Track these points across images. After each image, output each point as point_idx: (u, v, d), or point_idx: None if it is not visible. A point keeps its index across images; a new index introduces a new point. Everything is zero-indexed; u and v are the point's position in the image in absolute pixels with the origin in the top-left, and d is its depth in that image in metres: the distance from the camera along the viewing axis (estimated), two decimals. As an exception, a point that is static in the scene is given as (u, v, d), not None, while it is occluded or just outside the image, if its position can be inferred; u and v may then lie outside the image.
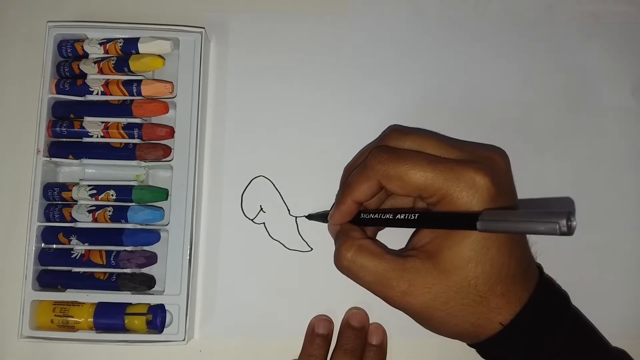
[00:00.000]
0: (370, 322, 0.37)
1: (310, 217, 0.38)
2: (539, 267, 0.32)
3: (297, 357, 0.36)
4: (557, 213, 0.23)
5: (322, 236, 0.37)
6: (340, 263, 0.31)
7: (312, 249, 0.37)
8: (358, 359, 0.35)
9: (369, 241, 0.32)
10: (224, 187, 0.38)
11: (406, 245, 0.35)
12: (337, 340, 0.36)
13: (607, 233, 0.38)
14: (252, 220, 0.38)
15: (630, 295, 0.37)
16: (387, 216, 0.31)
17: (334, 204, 0.34)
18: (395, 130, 0.33)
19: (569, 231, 0.23)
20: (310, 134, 0.38)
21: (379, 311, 0.37)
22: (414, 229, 0.35)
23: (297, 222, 0.38)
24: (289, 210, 0.38)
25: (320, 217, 0.37)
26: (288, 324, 0.36)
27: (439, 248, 0.29)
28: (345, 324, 0.36)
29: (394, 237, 0.36)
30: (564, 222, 0.23)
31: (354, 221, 0.33)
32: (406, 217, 0.30)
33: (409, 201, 0.34)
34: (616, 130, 0.39)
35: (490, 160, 0.30)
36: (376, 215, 0.32)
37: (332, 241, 0.37)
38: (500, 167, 0.31)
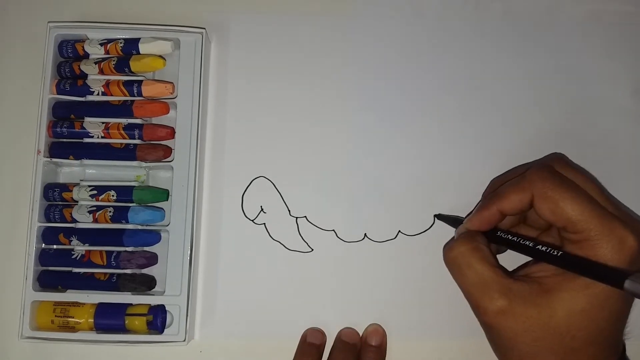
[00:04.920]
0: (370, 323, 0.36)
1: (440, 217, 0.37)
2: (623, 345, 0.32)
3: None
4: None
5: (322, 237, 0.37)
6: (449, 252, 0.31)
7: (312, 249, 0.37)
8: None
9: (489, 250, 0.31)
10: (225, 187, 0.38)
11: (518, 269, 0.34)
12: (329, 355, 0.35)
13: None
14: (252, 220, 0.38)
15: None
16: (526, 243, 0.30)
17: (472, 212, 0.33)
18: (562, 160, 0.33)
19: None
20: (310, 135, 0.38)
21: (379, 312, 0.37)
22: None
23: (298, 222, 0.38)
24: (289, 210, 0.38)
25: (452, 220, 0.36)
26: (288, 324, 0.36)
27: (558, 287, 0.29)
28: (338, 339, 0.36)
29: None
30: None
31: (488, 236, 0.32)
32: (548, 250, 0.29)
33: (533, 231, 0.34)
34: (616, 131, 0.39)
35: (638, 227, 0.30)
36: (514, 238, 0.31)
37: (332, 243, 0.37)
38: None
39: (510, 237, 0.31)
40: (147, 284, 0.35)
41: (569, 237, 0.30)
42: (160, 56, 0.37)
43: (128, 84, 0.36)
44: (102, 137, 0.36)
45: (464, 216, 0.36)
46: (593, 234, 0.28)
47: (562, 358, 0.29)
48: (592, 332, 0.28)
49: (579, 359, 0.29)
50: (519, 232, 0.34)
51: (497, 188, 0.33)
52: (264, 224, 0.38)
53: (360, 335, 0.36)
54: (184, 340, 0.34)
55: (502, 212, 0.32)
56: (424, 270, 0.37)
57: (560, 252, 0.29)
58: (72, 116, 0.37)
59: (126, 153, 0.36)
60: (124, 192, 0.36)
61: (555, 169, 0.31)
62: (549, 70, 0.39)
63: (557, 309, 0.28)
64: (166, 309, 0.34)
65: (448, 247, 0.32)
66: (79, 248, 0.35)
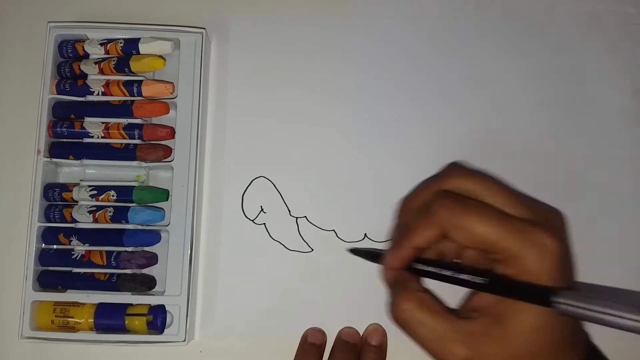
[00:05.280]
0: (370, 322, 0.36)
1: (355, 252, 0.36)
2: (589, 341, 0.31)
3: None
4: None
5: (322, 237, 0.37)
6: (397, 314, 0.30)
7: (312, 249, 0.37)
8: None
9: (429, 295, 0.30)
10: (225, 187, 0.38)
11: (463, 303, 0.32)
12: (329, 355, 0.35)
13: (606, 233, 0.38)
14: (252, 220, 0.38)
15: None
16: (445, 272, 0.29)
17: (389, 245, 0.32)
18: (460, 169, 0.32)
19: None
20: (310, 135, 0.38)
21: (379, 312, 0.36)
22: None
23: (298, 222, 0.38)
24: (289, 210, 0.38)
25: (367, 254, 0.35)
26: (288, 324, 0.36)
27: (506, 312, 0.28)
28: (338, 339, 0.36)
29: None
30: None
31: (407, 268, 0.31)
32: (472, 278, 0.28)
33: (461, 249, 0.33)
34: (616, 131, 0.39)
35: (553, 222, 0.29)
36: (431, 268, 0.30)
37: (332, 243, 0.37)
38: (563, 230, 0.30)
39: (427, 269, 0.30)
40: (147, 284, 0.35)
41: (493, 258, 0.29)
42: (160, 56, 0.37)
43: (128, 84, 0.36)
44: (102, 137, 0.36)
45: (378, 247, 0.36)
46: (515, 249, 0.27)
47: None
48: (555, 341, 0.28)
49: None
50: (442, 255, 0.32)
51: (407, 214, 0.32)
52: (264, 224, 0.38)
53: (361, 334, 0.36)
54: (184, 341, 0.34)
55: (417, 248, 0.31)
56: (424, 270, 0.37)
57: (487, 280, 0.28)
58: (72, 116, 0.37)
59: (126, 153, 0.36)
60: (124, 192, 0.36)
61: (451, 182, 0.30)
62: (549, 70, 0.39)
63: (512, 335, 0.27)
64: (166, 309, 0.34)
65: (393, 309, 0.30)
66: (79, 248, 0.35)
